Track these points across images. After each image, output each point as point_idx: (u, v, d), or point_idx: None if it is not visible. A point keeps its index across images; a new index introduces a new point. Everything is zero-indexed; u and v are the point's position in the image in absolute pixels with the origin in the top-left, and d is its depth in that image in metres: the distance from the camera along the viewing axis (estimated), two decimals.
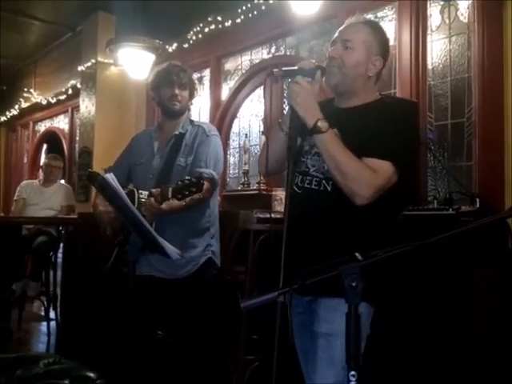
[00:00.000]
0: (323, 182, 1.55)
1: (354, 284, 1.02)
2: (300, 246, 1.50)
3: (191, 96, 2.40)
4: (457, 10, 3.10)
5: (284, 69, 1.50)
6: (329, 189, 1.53)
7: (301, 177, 1.61)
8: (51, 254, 4.27)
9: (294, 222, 1.43)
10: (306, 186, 1.59)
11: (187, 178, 1.94)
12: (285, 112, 4.23)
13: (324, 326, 1.50)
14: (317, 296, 1.52)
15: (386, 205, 1.49)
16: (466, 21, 3.05)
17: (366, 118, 1.53)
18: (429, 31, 3.20)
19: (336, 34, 1.64)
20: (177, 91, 2.30)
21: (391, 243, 1.46)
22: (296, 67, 1.50)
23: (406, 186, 1.58)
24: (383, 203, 1.46)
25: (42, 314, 4.47)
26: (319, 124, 1.43)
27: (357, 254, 1.07)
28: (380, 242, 1.45)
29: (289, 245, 1.29)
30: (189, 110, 2.46)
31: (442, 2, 3.17)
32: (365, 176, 1.42)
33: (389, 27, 3.36)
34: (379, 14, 3.49)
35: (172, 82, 2.30)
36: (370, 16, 3.55)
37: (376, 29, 1.64)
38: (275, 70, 1.50)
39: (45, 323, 4.19)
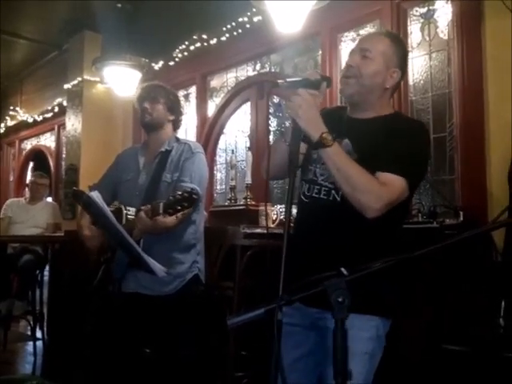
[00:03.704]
0: (333, 191, 1.52)
1: (340, 299, 1.01)
2: (307, 256, 1.49)
3: (171, 110, 2.41)
4: (436, 27, 3.18)
5: (289, 80, 1.47)
6: (338, 199, 1.51)
7: (307, 185, 1.59)
8: (37, 272, 4.23)
9: (300, 232, 1.45)
10: (314, 195, 1.56)
11: (178, 192, 1.93)
12: (271, 128, 4.28)
13: None
14: (325, 309, 1.45)
15: (393, 218, 1.49)
16: (445, 38, 3.13)
17: (381, 131, 1.51)
18: (409, 48, 3.27)
19: (355, 44, 1.62)
20: (146, 105, 2.36)
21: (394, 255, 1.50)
22: (301, 78, 1.46)
23: (410, 201, 1.63)
24: (391, 216, 1.45)
25: (29, 333, 4.41)
26: (324, 137, 1.39)
27: (342, 269, 1.08)
28: (385, 254, 1.47)
29: (293, 255, 1.27)
30: (175, 126, 2.46)
31: (422, 20, 3.25)
32: (375, 189, 1.40)
33: None
34: (361, 32, 3.56)
35: (142, 97, 2.40)
36: (352, 33, 3.63)
37: (396, 41, 1.62)
38: (280, 80, 1.47)
39: (31, 343, 4.13)
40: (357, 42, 1.64)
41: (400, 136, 1.49)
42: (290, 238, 1.29)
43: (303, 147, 1.53)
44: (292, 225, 1.62)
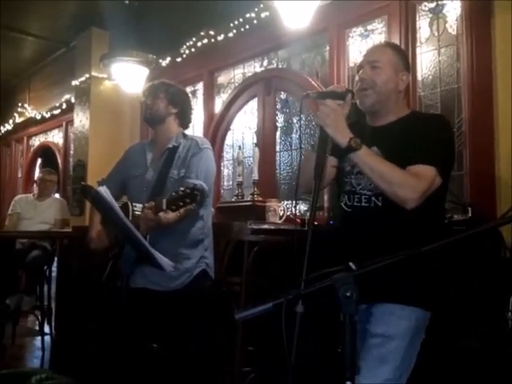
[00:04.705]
0: (372, 198, 1.64)
1: (348, 294, 1.01)
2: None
3: (173, 103, 2.39)
4: (445, 22, 3.15)
5: (318, 91, 1.60)
6: (379, 204, 1.62)
7: (347, 196, 1.71)
8: (45, 268, 4.25)
9: (349, 240, 1.59)
10: (355, 204, 1.68)
11: (181, 189, 1.95)
12: (278, 124, 4.28)
13: (381, 328, 1.57)
14: (373, 302, 1.58)
15: (436, 211, 1.62)
16: (454, 33, 3.10)
17: (404, 131, 1.63)
18: (418, 43, 3.25)
19: (361, 59, 1.76)
20: (147, 101, 2.41)
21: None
22: (329, 90, 1.62)
23: (446, 193, 1.70)
24: (433, 209, 1.58)
25: (37, 328, 4.44)
26: (352, 142, 1.50)
27: (350, 264, 1.07)
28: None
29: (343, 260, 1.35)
30: (181, 120, 2.45)
31: (430, 15, 3.23)
32: (408, 181, 1.51)
33: (378, 40, 3.42)
34: (369, 27, 3.54)
35: (144, 96, 2.45)
36: (360, 29, 3.61)
37: (397, 48, 1.81)
38: (310, 92, 1.61)
39: (39, 338, 4.16)
40: (362, 58, 1.78)
41: (422, 129, 1.60)
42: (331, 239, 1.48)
43: (335, 161, 1.73)
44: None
